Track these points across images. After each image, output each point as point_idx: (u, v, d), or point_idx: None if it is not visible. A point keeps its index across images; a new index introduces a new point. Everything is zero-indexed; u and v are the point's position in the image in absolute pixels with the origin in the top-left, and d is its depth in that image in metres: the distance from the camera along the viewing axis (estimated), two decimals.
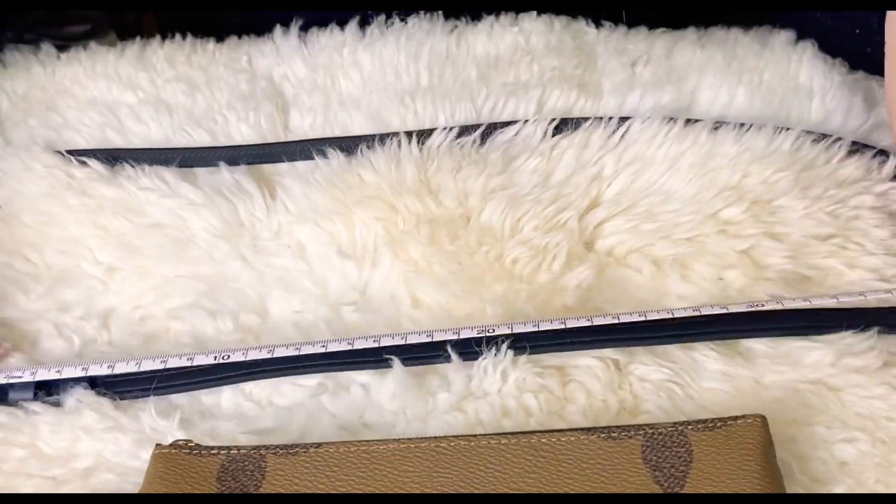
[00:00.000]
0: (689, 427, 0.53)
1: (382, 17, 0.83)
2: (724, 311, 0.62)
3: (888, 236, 0.67)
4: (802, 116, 0.76)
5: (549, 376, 0.62)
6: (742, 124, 0.73)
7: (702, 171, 0.71)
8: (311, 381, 0.63)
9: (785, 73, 0.79)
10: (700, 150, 0.72)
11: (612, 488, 0.51)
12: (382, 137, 0.73)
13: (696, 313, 0.62)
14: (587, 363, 0.62)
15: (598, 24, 0.84)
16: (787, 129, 0.72)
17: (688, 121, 0.73)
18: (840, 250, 0.67)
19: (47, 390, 0.63)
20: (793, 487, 0.55)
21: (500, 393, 0.61)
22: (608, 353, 0.62)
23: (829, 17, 0.79)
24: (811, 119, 0.76)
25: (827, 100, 0.77)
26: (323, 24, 0.83)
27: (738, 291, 0.66)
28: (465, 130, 0.74)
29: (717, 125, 0.73)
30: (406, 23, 0.82)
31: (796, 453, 0.56)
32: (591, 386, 0.61)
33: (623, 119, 0.74)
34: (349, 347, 0.63)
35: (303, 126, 0.78)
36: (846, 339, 0.61)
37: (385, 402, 0.61)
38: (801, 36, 0.81)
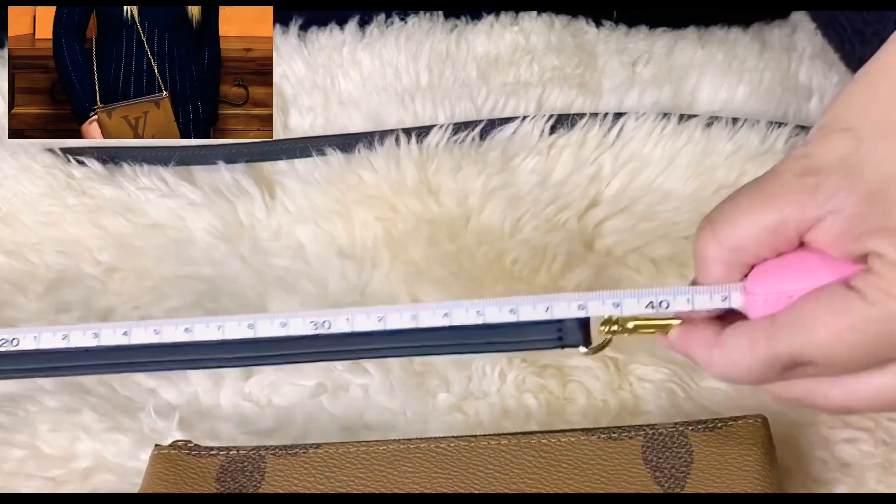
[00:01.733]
0: (690, 427, 0.53)
1: (382, 17, 0.82)
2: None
3: None
4: (800, 116, 0.76)
5: (549, 376, 0.62)
6: (735, 120, 0.73)
7: (699, 169, 0.71)
8: (310, 381, 0.63)
9: (785, 73, 0.79)
10: (696, 148, 0.72)
11: (612, 489, 0.51)
12: (381, 135, 0.73)
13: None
14: (586, 363, 0.62)
15: (598, 24, 0.84)
16: (781, 124, 0.73)
17: (681, 117, 0.73)
18: None
19: None
20: (793, 487, 0.55)
21: (500, 393, 0.61)
22: (607, 352, 0.62)
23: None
24: (809, 119, 0.76)
25: (825, 100, 0.77)
26: (322, 23, 0.83)
27: None
28: (462, 127, 0.74)
29: (710, 121, 0.73)
30: (406, 22, 0.82)
31: (796, 453, 0.56)
32: (590, 386, 0.61)
33: (618, 116, 0.74)
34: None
35: (303, 125, 0.78)
36: None
37: (385, 401, 0.61)
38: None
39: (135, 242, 0.71)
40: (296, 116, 0.79)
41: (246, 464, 0.55)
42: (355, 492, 0.53)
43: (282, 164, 0.75)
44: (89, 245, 0.71)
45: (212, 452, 0.55)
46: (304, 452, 0.55)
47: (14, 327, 0.68)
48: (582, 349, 0.51)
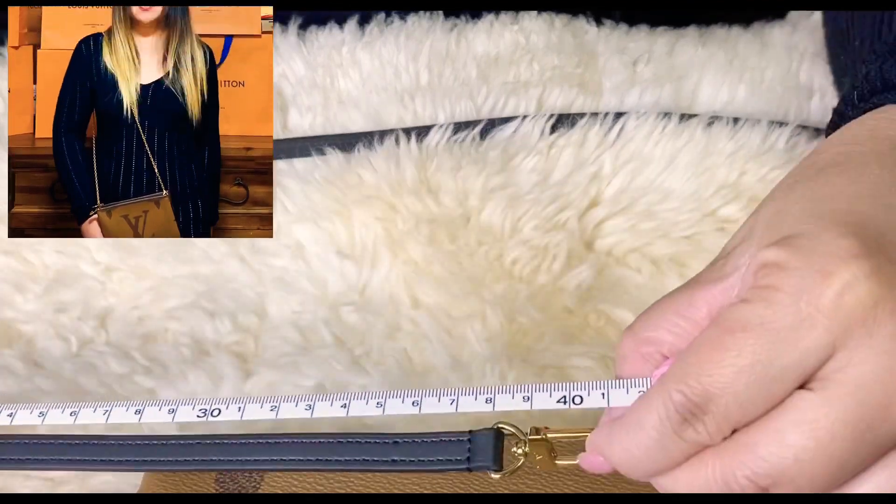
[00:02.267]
0: None
1: (382, 16, 0.82)
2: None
3: None
4: (801, 115, 0.76)
5: (549, 377, 0.62)
6: (736, 120, 0.73)
7: (699, 168, 0.71)
8: (310, 381, 0.63)
9: (786, 72, 0.79)
10: (696, 148, 0.72)
11: (612, 489, 0.51)
12: (381, 135, 0.73)
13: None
14: (586, 364, 0.62)
15: (598, 23, 0.83)
16: (782, 124, 0.72)
17: (682, 116, 0.73)
18: None
19: None
20: None
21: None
22: (607, 352, 0.62)
23: None
24: (810, 118, 0.76)
25: (826, 99, 0.77)
26: (322, 22, 0.83)
27: None
28: (462, 127, 0.74)
29: (712, 120, 0.73)
30: (405, 21, 0.81)
31: None
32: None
33: (619, 115, 0.74)
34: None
35: (302, 125, 0.78)
36: None
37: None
38: None
39: (133, 242, 0.71)
40: (295, 116, 0.79)
41: None
42: (355, 492, 0.53)
43: (281, 164, 0.75)
44: (88, 245, 0.71)
45: None
46: None
47: (12, 327, 0.68)
48: (493, 475, 0.47)
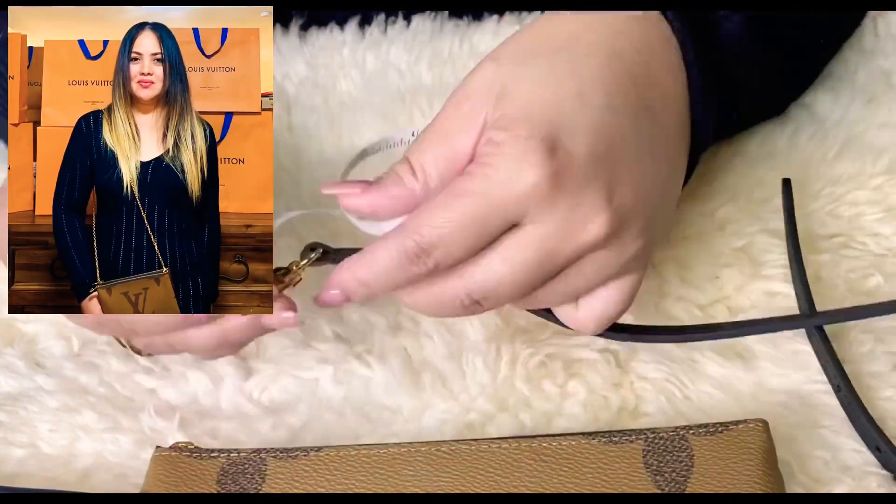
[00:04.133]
0: (691, 432, 0.53)
1: (383, 17, 0.82)
2: None
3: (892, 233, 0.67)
4: (799, 114, 0.76)
5: (550, 371, 0.62)
6: None
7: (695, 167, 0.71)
8: (310, 378, 0.63)
9: None
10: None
11: (611, 489, 0.51)
12: None
13: None
14: (588, 356, 0.62)
15: None
16: (780, 123, 0.72)
17: None
18: (842, 248, 0.67)
19: None
20: (793, 487, 0.55)
21: (498, 386, 0.61)
22: (607, 345, 0.62)
23: None
24: (809, 117, 0.76)
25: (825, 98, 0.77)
26: (323, 23, 0.82)
27: (735, 289, 0.65)
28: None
29: None
30: (408, 22, 0.81)
31: (797, 453, 0.56)
32: (591, 381, 0.61)
33: None
34: None
35: (306, 126, 0.78)
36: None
37: (384, 396, 0.61)
38: None
39: None
40: (297, 117, 0.79)
41: (247, 466, 0.55)
42: (356, 492, 0.53)
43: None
44: None
45: (213, 454, 0.56)
46: (304, 455, 0.55)
47: (14, 326, 0.68)
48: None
